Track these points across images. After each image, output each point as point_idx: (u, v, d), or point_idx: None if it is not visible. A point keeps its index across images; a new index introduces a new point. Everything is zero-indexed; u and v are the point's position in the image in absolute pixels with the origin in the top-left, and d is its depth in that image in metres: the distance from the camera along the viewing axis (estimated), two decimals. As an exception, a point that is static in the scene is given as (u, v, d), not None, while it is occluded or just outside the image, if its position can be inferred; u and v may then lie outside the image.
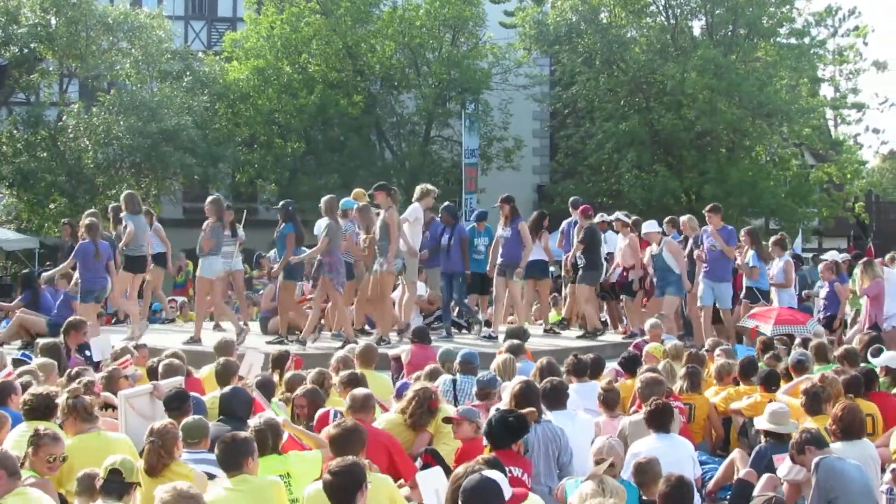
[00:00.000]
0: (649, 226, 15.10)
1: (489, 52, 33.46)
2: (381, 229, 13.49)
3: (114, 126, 27.96)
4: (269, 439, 6.61)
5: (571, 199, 16.84)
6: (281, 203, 14.69)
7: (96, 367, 10.66)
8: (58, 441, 6.37)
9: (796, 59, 30.78)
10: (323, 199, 13.95)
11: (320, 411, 8.13)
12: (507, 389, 8.47)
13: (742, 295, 14.74)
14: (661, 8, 32.71)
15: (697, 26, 33.22)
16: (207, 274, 14.01)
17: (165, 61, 31.27)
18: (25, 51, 29.54)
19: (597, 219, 15.82)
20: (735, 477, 7.85)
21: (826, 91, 36.76)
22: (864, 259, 15.42)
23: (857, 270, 14.91)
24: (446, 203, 14.71)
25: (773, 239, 15.24)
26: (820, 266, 16.38)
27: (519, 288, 14.95)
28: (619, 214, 15.56)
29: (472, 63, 32.48)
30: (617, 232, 15.57)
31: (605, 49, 31.40)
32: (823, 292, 15.54)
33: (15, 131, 29.68)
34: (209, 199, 14.58)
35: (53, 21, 29.10)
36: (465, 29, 33.15)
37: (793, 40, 32.30)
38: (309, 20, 31.92)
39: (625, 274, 15.24)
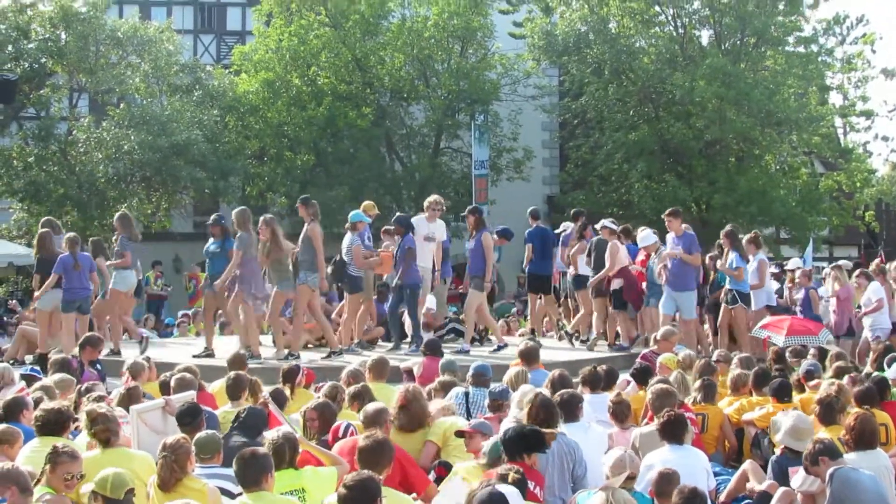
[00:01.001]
0: (645, 238, 14.99)
1: (498, 63, 33.47)
2: (304, 242, 13.34)
3: (124, 140, 28.04)
4: (287, 453, 6.61)
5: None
6: (214, 217, 14.35)
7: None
8: (76, 459, 6.37)
9: (804, 67, 30.73)
10: (234, 212, 13.84)
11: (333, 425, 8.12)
12: (514, 399, 8.45)
13: (726, 300, 14.56)
14: (669, 18, 32.68)
15: (706, 36, 33.18)
16: (121, 287, 14.12)
17: (175, 75, 31.43)
18: (36, 65, 29.81)
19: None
20: (747, 487, 7.83)
21: (835, 99, 36.68)
22: (834, 264, 16.07)
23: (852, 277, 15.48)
24: (398, 214, 14.58)
25: (747, 237, 14.99)
26: (797, 272, 16.55)
27: (482, 299, 14.62)
28: (605, 222, 15.28)
29: (481, 74, 32.45)
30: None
31: (614, 59, 31.36)
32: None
33: (26, 146, 29.78)
34: (117, 215, 14.87)
35: (63, 36, 29.29)
36: (474, 40, 33.16)
37: (801, 48, 32.27)
38: (318, 32, 31.98)
39: (607, 283, 14.88)
